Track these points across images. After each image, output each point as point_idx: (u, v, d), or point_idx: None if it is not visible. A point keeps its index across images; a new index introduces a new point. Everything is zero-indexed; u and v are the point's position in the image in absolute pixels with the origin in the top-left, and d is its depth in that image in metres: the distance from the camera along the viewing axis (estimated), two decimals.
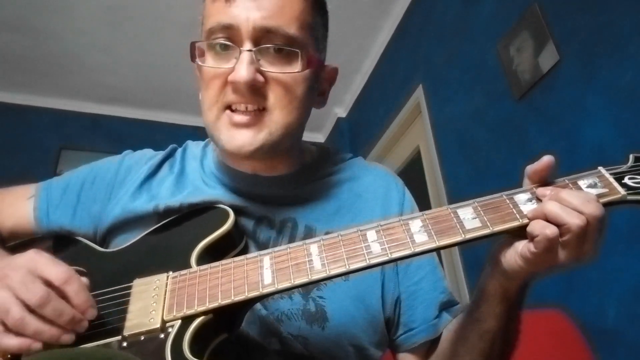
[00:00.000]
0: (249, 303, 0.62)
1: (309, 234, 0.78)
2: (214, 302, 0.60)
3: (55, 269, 0.59)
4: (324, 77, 0.83)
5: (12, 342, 0.56)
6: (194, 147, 0.93)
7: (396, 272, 0.81)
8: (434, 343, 0.79)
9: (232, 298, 0.60)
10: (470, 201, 0.62)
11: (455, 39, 2.59)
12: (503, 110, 2.14)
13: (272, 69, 0.71)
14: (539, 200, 0.60)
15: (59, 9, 3.05)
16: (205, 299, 0.61)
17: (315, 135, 4.47)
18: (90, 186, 0.86)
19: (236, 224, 0.73)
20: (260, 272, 0.61)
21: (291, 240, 0.77)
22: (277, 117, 0.72)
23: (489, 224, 0.59)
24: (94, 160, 0.92)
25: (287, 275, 0.60)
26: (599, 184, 0.60)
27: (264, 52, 0.71)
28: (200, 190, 0.81)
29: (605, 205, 0.57)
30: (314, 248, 0.62)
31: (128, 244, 0.76)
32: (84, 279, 0.63)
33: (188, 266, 0.67)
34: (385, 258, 0.59)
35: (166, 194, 0.82)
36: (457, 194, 2.39)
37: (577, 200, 0.56)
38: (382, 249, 0.60)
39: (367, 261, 0.59)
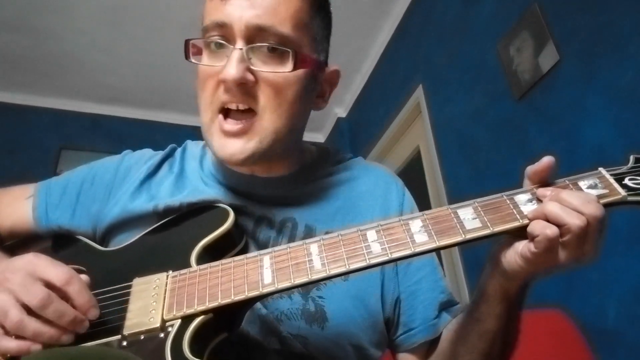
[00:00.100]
0: (248, 302, 0.62)
1: (309, 233, 0.78)
2: (213, 301, 0.60)
3: (55, 270, 0.59)
4: (324, 78, 0.82)
5: (11, 344, 0.56)
6: (193, 147, 0.92)
7: (396, 272, 0.81)
8: (433, 343, 0.79)
9: (232, 297, 0.60)
10: (471, 201, 0.62)
11: (455, 39, 2.59)
12: (503, 110, 2.14)
13: (263, 68, 0.70)
14: (539, 200, 0.60)
15: (59, 9, 3.05)
16: (205, 298, 0.61)
17: (315, 135, 4.47)
18: (89, 186, 0.86)
19: (236, 223, 0.73)
20: (260, 272, 0.61)
21: (291, 240, 0.77)
22: (267, 122, 0.71)
23: (489, 225, 0.59)
24: (94, 160, 0.92)
25: (287, 274, 0.60)
26: (599, 185, 0.60)
27: (257, 51, 0.70)
28: (199, 190, 0.81)
29: (606, 206, 0.57)
30: (314, 248, 0.62)
31: (128, 243, 0.76)
32: (85, 277, 0.63)
33: (188, 265, 0.67)
34: (385, 258, 0.59)
35: (166, 193, 0.82)
36: (457, 194, 2.39)
37: (578, 200, 0.56)
38: (382, 248, 0.60)
39: (367, 261, 0.59)
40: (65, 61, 3.49)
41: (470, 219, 0.60)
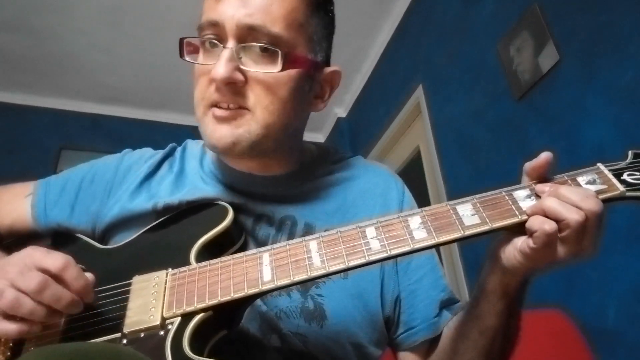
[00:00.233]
0: (248, 300, 0.62)
1: (308, 231, 0.78)
2: (213, 299, 0.60)
3: (51, 257, 0.59)
4: (322, 78, 0.81)
5: (12, 326, 0.56)
6: (193, 146, 0.92)
7: (396, 270, 0.81)
8: (434, 341, 0.79)
9: (232, 295, 0.60)
10: (470, 197, 0.62)
11: (455, 39, 2.59)
12: (503, 110, 2.14)
13: (253, 68, 0.70)
14: (537, 196, 0.60)
15: (59, 9, 3.05)
16: (204, 295, 0.61)
17: (315, 135, 4.47)
18: (89, 184, 0.86)
19: (235, 220, 0.73)
20: (259, 269, 0.62)
21: (290, 237, 0.77)
22: (258, 117, 0.71)
23: (488, 221, 0.59)
24: (93, 160, 0.92)
25: (287, 272, 0.60)
26: (597, 181, 0.60)
27: (249, 50, 0.70)
28: (198, 188, 0.81)
29: (604, 201, 0.57)
30: (313, 245, 0.62)
31: (127, 241, 0.76)
32: (90, 275, 0.63)
33: (187, 263, 0.67)
34: (384, 255, 0.59)
35: (165, 192, 0.82)
36: (457, 194, 2.36)
37: (576, 196, 0.56)
38: (381, 245, 0.60)
39: (367, 258, 0.59)
40: (65, 61, 3.49)
41: (469, 215, 0.60)
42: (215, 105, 0.71)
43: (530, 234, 0.57)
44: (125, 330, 0.60)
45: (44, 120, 3.79)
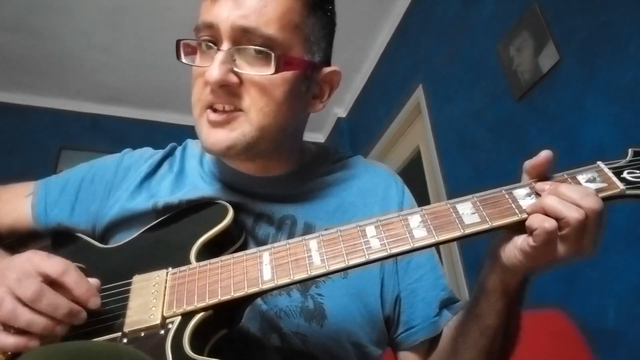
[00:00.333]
0: (248, 299, 0.62)
1: (308, 230, 0.78)
2: (213, 298, 0.60)
3: (50, 262, 0.59)
4: (321, 78, 0.80)
5: (9, 340, 0.56)
6: (193, 146, 0.92)
7: (396, 270, 0.81)
8: (434, 341, 0.79)
9: (232, 294, 0.60)
10: (469, 196, 0.62)
11: (455, 39, 2.59)
12: (503, 110, 2.14)
13: (248, 70, 0.69)
14: (537, 195, 0.60)
15: (59, 9, 3.05)
16: (204, 295, 0.61)
17: (315, 135, 4.47)
18: (89, 184, 0.86)
19: (235, 219, 0.73)
20: (259, 268, 0.62)
21: (290, 237, 0.77)
22: (252, 119, 0.70)
23: (488, 219, 0.59)
24: (93, 160, 0.92)
25: (287, 271, 0.60)
26: (597, 179, 0.60)
27: (243, 52, 0.70)
28: (198, 187, 0.81)
29: (604, 199, 0.57)
30: (313, 244, 0.62)
31: (127, 240, 0.76)
32: (95, 280, 0.62)
33: (187, 262, 0.67)
34: (384, 253, 0.59)
35: (165, 192, 0.82)
36: (457, 194, 2.35)
37: (576, 194, 0.56)
38: (381, 244, 0.60)
39: (367, 256, 0.59)
40: (65, 61, 3.49)
41: (469, 214, 0.60)
42: (211, 106, 0.71)
43: (530, 232, 0.57)
44: (126, 329, 0.60)
45: (44, 120, 3.79)
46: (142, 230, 0.76)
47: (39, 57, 3.43)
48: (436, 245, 0.60)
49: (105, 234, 0.83)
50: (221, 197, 0.78)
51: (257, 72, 0.69)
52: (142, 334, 0.60)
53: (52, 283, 0.58)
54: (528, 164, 0.62)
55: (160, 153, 0.90)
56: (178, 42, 0.74)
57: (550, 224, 0.55)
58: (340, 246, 0.61)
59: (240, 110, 0.71)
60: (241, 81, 0.70)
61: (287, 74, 0.71)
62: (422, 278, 0.81)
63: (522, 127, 2.01)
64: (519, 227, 0.59)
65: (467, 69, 2.47)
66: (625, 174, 0.60)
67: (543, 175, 0.62)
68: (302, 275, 0.60)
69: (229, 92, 0.70)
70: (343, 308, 0.74)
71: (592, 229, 0.55)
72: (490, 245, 0.64)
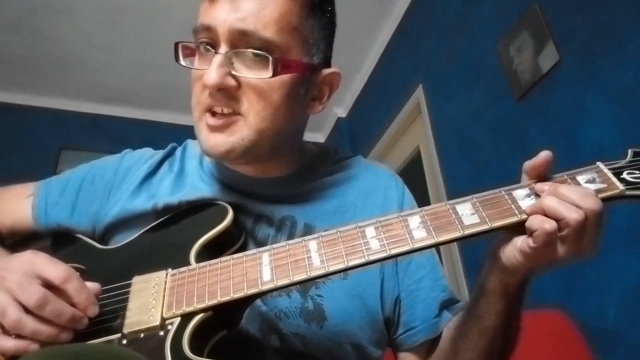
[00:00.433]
0: (248, 300, 0.62)
1: (307, 231, 0.78)
2: (213, 299, 0.60)
3: (53, 268, 0.58)
4: (320, 80, 0.80)
5: (10, 344, 0.56)
6: (193, 146, 0.92)
7: (396, 271, 0.81)
8: (434, 341, 0.79)
9: (231, 295, 0.60)
10: (469, 197, 0.62)
11: (455, 39, 2.59)
12: (503, 110, 2.14)
13: (245, 73, 0.69)
14: (537, 195, 0.60)
15: (59, 9, 3.05)
16: (204, 296, 0.61)
17: (315, 135, 4.47)
18: (89, 185, 0.86)
19: (235, 220, 0.73)
20: (259, 269, 0.61)
21: (290, 237, 0.77)
22: (251, 122, 0.70)
23: (487, 220, 0.59)
24: (94, 160, 0.92)
25: (286, 272, 0.60)
26: (597, 179, 0.60)
27: (241, 55, 0.69)
28: (198, 188, 0.81)
29: (604, 200, 0.57)
30: (312, 245, 0.62)
31: (127, 241, 0.76)
32: (95, 284, 0.62)
33: (187, 263, 0.66)
34: (384, 254, 0.59)
35: (165, 192, 0.82)
36: (457, 194, 2.35)
37: (576, 195, 0.56)
38: (380, 245, 0.60)
39: (366, 257, 0.59)
40: (65, 61, 3.49)
41: (468, 215, 0.60)
42: (210, 109, 0.71)
43: (530, 233, 0.57)
44: (125, 330, 0.60)
45: (44, 120, 3.78)
46: (142, 231, 0.76)
47: (39, 57, 3.43)
48: (436, 246, 0.60)
49: (105, 235, 0.83)
50: (221, 198, 0.78)
51: (255, 76, 0.69)
52: (142, 335, 0.60)
53: (52, 287, 0.58)
54: (528, 164, 0.62)
55: (160, 153, 0.90)
56: (176, 44, 0.74)
57: (550, 225, 0.55)
58: (340, 247, 0.61)
59: (239, 114, 0.71)
60: (239, 84, 0.70)
61: (286, 77, 0.71)
62: (422, 279, 0.81)
63: (522, 127, 2.01)
64: (519, 228, 0.59)
65: (467, 69, 2.47)
66: (625, 175, 0.59)
67: (543, 175, 0.62)
68: (302, 277, 0.60)
69: (227, 95, 0.70)
70: (343, 309, 0.74)
71: (591, 229, 0.55)
72: (490, 246, 0.64)
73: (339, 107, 4.20)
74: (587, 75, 1.70)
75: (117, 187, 0.85)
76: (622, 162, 0.62)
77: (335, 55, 0.83)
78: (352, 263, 0.59)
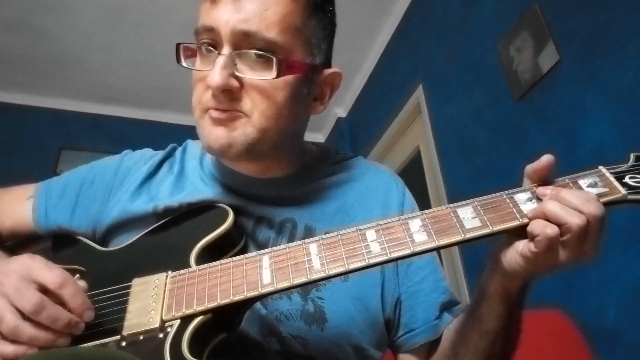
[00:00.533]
0: (248, 303, 0.62)
1: (308, 234, 0.78)
2: (213, 301, 0.60)
3: (49, 273, 0.58)
4: (322, 80, 0.80)
5: (8, 349, 0.56)
6: (194, 147, 0.92)
7: (396, 272, 0.81)
8: (435, 343, 0.79)
9: (231, 298, 0.60)
10: (470, 200, 0.62)
11: (455, 39, 2.59)
12: (503, 110, 2.14)
13: (249, 74, 0.69)
14: (539, 199, 0.60)
15: (59, 9, 3.04)
16: (204, 298, 0.61)
17: (315, 135, 4.47)
18: (89, 186, 0.86)
19: (235, 223, 0.73)
20: (259, 272, 0.61)
21: (290, 240, 0.77)
22: (255, 121, 0.70)
23: (488, 224, 0.59)
24: (94, 160, 0.92)
25: (286, 274, 0.60)
26: (599, 184, 0.60)
27: (244, 56, 0.69)
28: (199, 190, 0.81)
29: (606, 204, 0.57)
30: (313, 247, 0.62)
31: (127, 243, 0.76)
32: (82, 282, 0.62)
33: (187, 265, 0.66)
34: (384, 258, 0.59)
35: (165, 194, 0.82)
36: (457, 194, 2.39)
37: (578, 199, 0.55)
38: (381, 248, 0.59)
39: (367, 261, 0.59)
40: (65, 61, 3.49)
41: (469, 218, 0.60)
42: (212, 109, 0.71)
43: (531, 237, 0.57)
44: (125, 332, 0.60)
45: (44, 120, 3.78)
46: (142, 233, 0.76)
47: (39, 57, 3.43)
48: (437, 249, 0.60)
49: (105, 236, 0.83)
50: (221, 199, 0.78)
51: (259, 77, 0.69)
52: (141, 338, 0.60)
53: (48, 292, 0.58)
54: (529, 168, 0.62)
55: (160, 154, 0.90)
56: (178, 45, 0.73)
57: (552, 230, 0.54)
58: (340, 250, 0.60)
59: (243, 113, 0.70)
60: (242, 85, 0.69)
61: (289, 78, 0.71)
62: (422, 281, 0.80)
63: (522, 127, 2.00)
64: (520, 232, 0.58)
65: (467, 69, 2.47)
66: (627, 179, 0.59)
67: (544, 179, 0.62)
68: (302, 280, 0.59)
69: (230, 96, 0.69)
70: (344, 311, 0.74)
71: (593, 234, 0.55)
72: (491, 250, 0.64)
73: (339, 107, 4.19)
74: (587, 75, 1.70)
75: (117, 188, 0.85)
76: (625, 166, 0.61)
77: (335, 55, 0.83)
78: (352, 266, 0.59)
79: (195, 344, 0.58)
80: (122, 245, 0.76)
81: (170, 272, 0.66)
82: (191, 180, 0.84)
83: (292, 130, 0.79)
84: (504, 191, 0.62)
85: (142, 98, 3.92)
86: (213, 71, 0.67)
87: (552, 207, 0.56)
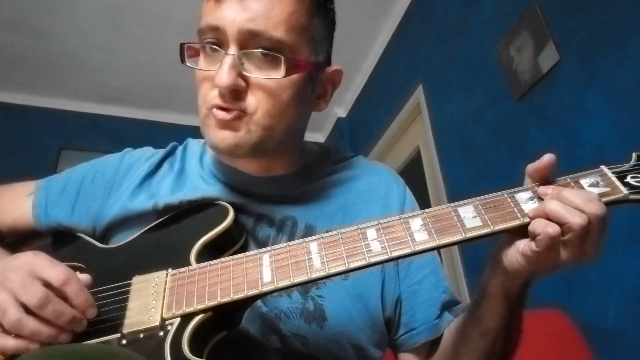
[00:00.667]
0: (248, 301, 0.62)
1: (308, 232, 0.78)
2: (213, 300, 0.60)
3: (53, 270, 0.58)
4: (324, 78, 0.81)
5: (10, 343, 0.56)
6: (194, 145, 0.92)
7: (397, 271, 0.81)
8: (435, 343, 0.79)
9: (231, 296, 0.60)
10: (471, 199, 0.62)
11: (455, 39, 2.59)
12: (503, 110, 2.14)
13: (255, 74, 0.69)
14: (540, 199, 0.59)
15: (59, 9, 3.05)
16: (204, 296, 0.61)
17: (315, 135, 4.47)
18: (89, 184, 0.86)
19: (236, 221, 0.73)
20: (259, 270, 0.61)
21: (291, 238, 0.77)
22: (260, 120, 0.70)
23: (489, 223, 0.59)
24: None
25: (287, 273, 0.60)
26: (601, 183, 0.60)
27: (250, 55, 0.69)
28: (199, 188, 0.81)
29: (607, 204, 0.57)
30: (313, 246, 0.62)
31: (127, 240, 0.76)
32: (87, 276, 0.62)
33: (187, 263, 0.66)
34: (385, 257, 0.59)
35: (166, 192, 0.82)
36: (457, 194, 2.39)
37: (579, 199, 0.55)
38: (382, 247, 0.59)
39: (367, 260, 0.59)
40: (65, 61, 3.49)
41: (470, 218, 0.59)
42: (217, 107, 0.71)
43: (532, 237, 0.57)
44: (125, 330, 0.60)
45: (44, 120, 3.78)
46: (142, 231, 0.76)
47: (39, 57, 3.43)
48: (437, 248, 0.60)
49: (105, 234, 0.83)
50: (222, 197, 0.78)
51: (266, 76, 0.69)
52: (141, 336, 0.60)
53: (52, 289, 0.57)
54: (531, 167, 0.62)
55: (160, 152, 0.90)
56: (182, 45, 0.73)
57: (553, 229, 0.54)
58: (341, 249, 0.60)
59: (246, 112, 0.70)
60: (247, 84, 0.69)
61: (295, 77, 0.71)
62: (423, 280, 0.80)
63: (522, 127, 2.01)
64: (521, 231, 0.58)
65: (467, 69, 2.47)
66: (628, 179, 0.59)
67: (546, 178, 0.61)
68: (302, 278, 0.59)
69: (235, 95, 0.69)
70: (344, 310, 0.74)
71: (595, 234, 0.55)
72: (492, 249, 0.64)
73: (339, 107, 4.20)
74: (587, 75, 1.70)
75: (117, 186, 0.85)
76: (626, 166, 0.61)
77: (335, 55, 0.83)
78: (353, 265, 0.59)
79: (196, 342, 0.58)
80: (122, 243, 0.76)
81: (170, 270, 0.66)
82: (192, 178, 0.84)
83: (297, 128, 0.80)
84: (505, 190, 0.62)
85: (142, 98, 3.92)
86: (221, 71, 0.67)
87: (554, 206, 0.56)
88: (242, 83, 0.69)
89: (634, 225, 1.44)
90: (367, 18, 3.29)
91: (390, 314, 0.79)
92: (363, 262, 0.59)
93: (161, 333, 0.59)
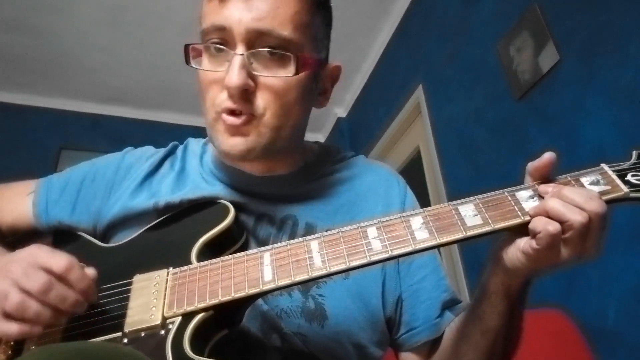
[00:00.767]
0: (249, 300, 0.62)
1: (309, 231, 0.78)
2: (214, 298, 0.60)
3: (55, 258, 0.59)
4: (326, 75, 0.81)
5: (13, 327, 0.56)
6: (194, 145, 0.92)
7: (397, 271, 0.81)
8: (436, 342, 0.79)
9: (232, 295, 0.60)
10: (472, 198, 0.62)
11: (455, 39, 2.59)
12: (503, 110, 2.14)
13: (265, 73, 0.69)
14: (540, 197, 0.60)
15: (59, 9, 3.04)
16: (205, 295, 0.61)
17: (315, 135, 4.47)
18: (90, 183, 0.86)
19: (236, 219, 0.73)
20: (260, 269, 0.61)
21: (291, 237, 0.77)
22: (268, 122, 0.70)
23: (490, 221, 0.59)
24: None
25: (288, 271, 0.60)
26: (601, 181, 0.60)
27: (258, 55, 0.69)
28: (200, 187, 0.81)
29: (608, 202, 0.57)
30: (314, 244, 0.62)
31: (128, 239, 0.76)
32: (91, 270, 0.62)
33: (188, 262, 0.66)
34: (385, 255, 0.59)
35: (167, 191, 0.82)
36: (457, 194, 2.36)
37: (580, 197, 0.55)
38: (382, 245, 0.59)
39: (368, 258, 0.59)
40: (65, 61, 3.48)
41: (471, 216, 0.60)
42: (226, 111, 0.70)
43: (533, 235, 0.57)
44: (126, 329, 0.60)
45: (44, 120, 3.78)
46: (143, 230, 0.76)
47: (39, 57, 3.43)
48: (438, 247, 0.60)
49: (106, 233, 0.83)
50: (223, 196, 0.78)
51: (275, 75, 0.69)
52: (143, 334, 0.60)
53: (54, 277, 0.58)
54: (531, 165, 0.62)
55: (161, 152, 0.90)
56: (187, 46, 0.73)
57: (554, 227, 0.54)
58: (342, 247, 0.60)
59: (254, 115, 0.70)
60: (256, 84, 0.69)
61: (302, 75, 0.71)
62: (424, 279, 0.80)
63: (522, 127, 2.01)
64: (522, 230, 0.58)
65: (467, 69, 2.47)
66: (629, 177, 0.59)
67: (546, 177, 0.62)
68: (303, 277, 0.59)
69: (245, 97, 0.69)
70: (344, 309, 0.74)
71: (595, 232, 0.55)
72: (493, 247, 0.64)
73: (339, 107, 4.20)
74: (587, 75, 1.70)
75: (118, 185, 0.85)
76: (627, 164, 0.61)
77: (335, 55, 0.84)
78: (353, 264, 0.59)
79: (197, 340, 0.58)
80: (123, 242, 0.76)
81: (171, 269, 0.66)
82: (192, 177, 0.84)
83: (302, 127, 0.80)
84: (505, 189, 0.62)
85: (142, 98, 3.92)
86: (232, 71, 0.67)
87: (554, 204, 0.56)
88: (251, 83, 0.68)
89: (635, 224, 1.44)
90: (367, 18, 3.29)
91: (391, 313, 0.79)
92: (364, 261, 0.59)
93: (162, 332, 0.59)
